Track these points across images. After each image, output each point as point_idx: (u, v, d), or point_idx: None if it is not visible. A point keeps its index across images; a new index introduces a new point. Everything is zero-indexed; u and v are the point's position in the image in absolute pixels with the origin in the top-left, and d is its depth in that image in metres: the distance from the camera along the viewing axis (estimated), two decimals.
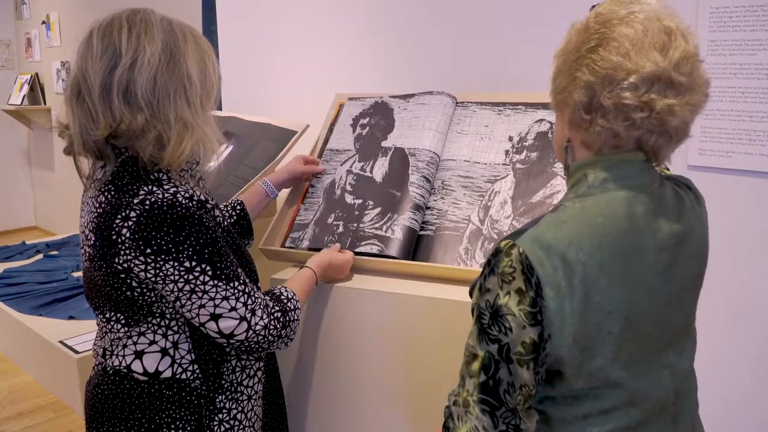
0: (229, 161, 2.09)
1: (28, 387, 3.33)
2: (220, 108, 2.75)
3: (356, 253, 1.61)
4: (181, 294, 1.14)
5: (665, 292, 0.94)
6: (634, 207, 0.91)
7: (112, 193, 1.15)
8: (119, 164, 1.16)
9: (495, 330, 0.88)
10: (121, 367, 1.21)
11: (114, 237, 1.12)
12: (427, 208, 1.67)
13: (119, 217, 1.11)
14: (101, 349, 1.25)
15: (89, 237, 1.17)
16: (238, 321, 1.17)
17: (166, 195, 1.13)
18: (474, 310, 0.92)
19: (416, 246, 1.62)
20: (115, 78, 1.12)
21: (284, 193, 1.82)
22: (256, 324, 1.19)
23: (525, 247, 0.86)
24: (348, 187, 1.77)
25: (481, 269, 0.93)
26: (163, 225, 1.10)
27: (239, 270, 1.20)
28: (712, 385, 1.68)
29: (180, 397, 1.21)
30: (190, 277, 1.12)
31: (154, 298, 1.17)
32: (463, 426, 0.91)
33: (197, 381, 1.22)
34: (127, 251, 1.11)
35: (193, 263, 1.12)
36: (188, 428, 1.22)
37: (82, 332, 3.20)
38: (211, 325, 1.16)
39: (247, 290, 1.19)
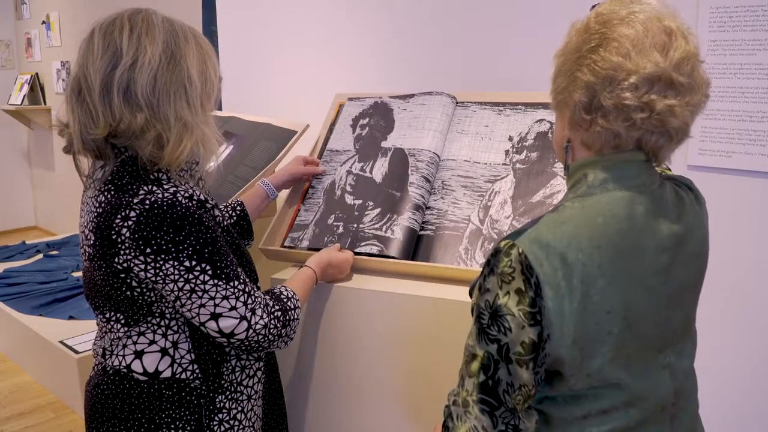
0: (229, 161, 2.09)
1: (28, 387, 3.33)
2: (220, 108, 2.75)
3: (356, 254, 1.61)
4: (181, 293, 1.14)
5: (665, 293, 0.94)
6: (634, 207, 0.91)
7: (112, 192, 1.15)
8: (119, 164, 1.16)
9: (494, 330, 0.88)
10: (121, 367, 1.21)
11: (114, 237, 1.12)
12: (427, 208, 1.67)
13: (119, 216, 1.11)
14: (101, 349, 1.25)
15: (89, 237, 1.17)
16: (238, 320, 1.17)
17: (165, 194, 1.13)
18: (473, 310, 0.92)
19: (416, 246, 1.62)
20: (115, 77, 1.12)
21: (284, 193, 1.82)
22: (256, 323, 1.19)
23: (524, 247, 0.86)
24: (348, 188, 1.77)
25: (480, 269, 0.93)
26: (162, 224, 1.10)
27: (239, 269, 1.20)
28: (712, 385, 1.68)
29: (180, 397, 1.21)
30: (190, 276, 1.12)
31: (153, 298, 1.17)
32: (463, 426, 0.91)
33: (197, 381, 1.22)
34: (127, 251, 1.11)
35: (193, 263, 1.12)
36: (188, 428, 1.22)
37: (82, 332, 3.20)
38: (212, 324, 1.16)
39: (247, 289, 1.19)
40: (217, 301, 1.15)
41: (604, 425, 0.93)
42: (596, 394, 0.92)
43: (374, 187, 1.73)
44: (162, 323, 1.20)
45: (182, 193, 1.16)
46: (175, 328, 1.20)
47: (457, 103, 1.84)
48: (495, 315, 0.88)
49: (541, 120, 1.69)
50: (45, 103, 5.89)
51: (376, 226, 1.65)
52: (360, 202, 1.72)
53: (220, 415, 1.24)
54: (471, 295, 0.95)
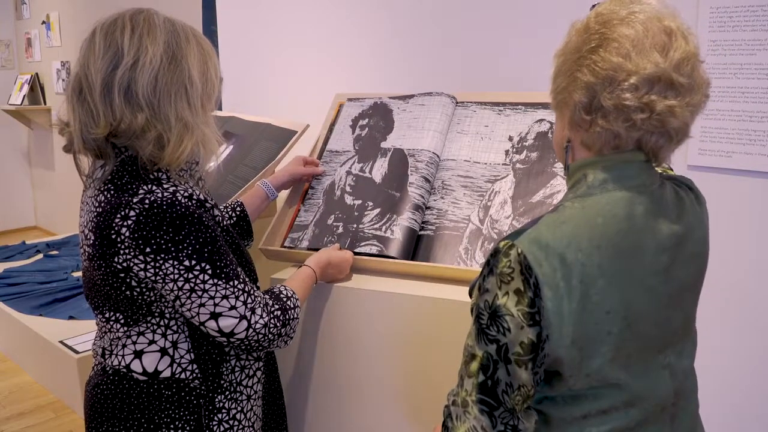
0: (229, 161, 2.09)
1: (28, 387, 3.33)
2: (220, 108, 2.75)
3: (356, 254, 1.61)
4: (180, 293, 1.14)
5: (665, 293, 0.94)
6: (634, 207, 0.91)
7: (112, 192, 1.15)
8: (119, 163, 1.17)
9: (493, 330, 0.88)
10: (121, 367, 1.21)
11: (113, 236, 1.12)
12: (427, 207, 1.67)
13: (119, 216, 1.11)
14: (101, 349, 1.25)
15: (89, 236, 1.17)
16: (237, 319, 1.17)
17: (165, 194, 1.13)
18: (473, 311, 0.92)
19: (416, 246, 1.62)
20: (116, 77, 1.12)
21: (284, 193, 1.82)
22: (256, 322, 1.19)
23: (523, 248, 0.86)
24: (347, 188, 1.77)
25: (480, 269, 0.93)
26: (162, 224, 1.10)
27: (239, 269, 1.20)
28: (712, 385, 1.68)
29: (179, 396, 1.21)
30: (190, 275, 1.12)
31: (153, 298, 1.17)
32: (462, 426, 0.91)
33: (196, 381, 1.22)
34: (127, 250, 1.11)
35: (193, 262, 1.12)
36: (187, 428, 1.22)
37: (82, 332, 3.20)
38: (211, 323, 1.16)
39: (246, 289, 1.19)
40: (217, 300, 1.15)
41: (604, 425, 0.93)
42: (596, 394, 0.92)
43: (374, 188, 1.73)
44: (161, 323, 1.20)
45: (182, 192, 1.16)
46: (174, 327, 1.21)
47: (457, 103, 1.84)
48: (494, 315, 0.88)
49: (541, 120, 1.69)
50: (45, 103, 5.89)
51: (375, 226, 1.65)
52: (360, 202, 1.72)
53: (220, 415, 1.25)
54: (470, 295, 0.95)
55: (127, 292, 1.16)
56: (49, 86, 5.82)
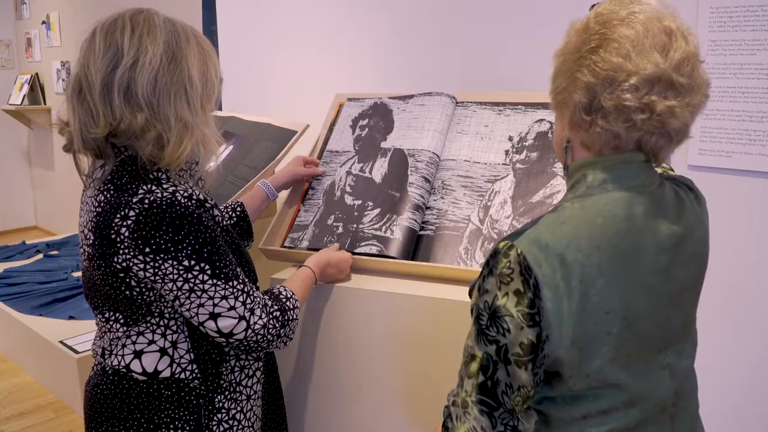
0: (229, 161, 2.09)
1: (28, 387, 3.33)
2: (220, 108, 2.75)
3: (356, 254, 1.61)
4: (179, 293, 1.14)
5: (664, 293, 0.94)
6: (634, 208, 0.91)
7: (112, 192, 1.15)
8: (118, 163, 1.17)
9: (493, 331, 0.88)
10: (120, 367, 1.21)
11: (113, 236, 1.12)
12: (427, 208, 1.67)
13: (118, 216, 1.11)
14: (100, 349, 1.25)
15: (88, 236, 1.17)
16: (236, 320, 1.17)
17: (165, 194, 1.13)
18: (473, 311, 0.92)
19: (416, 246, 1.62)
20: (116, 77, 1.12)
21: (284, 193, 1.82)
22: (255, 323, 1.19)
23: (523, 248, 0.86)
24: (347, 188, 1.77)
25: (480, 269, 0.93)
26: (162, 224, 1.10)
27: (238, 269, 1.20)
28: (712, 385, 1.68)
29: (179, 396, 1.21)
30: (189, 276, 1.12)
31: (152, 298, 1.17)
32: (462, 426, 0.91)
33: (196, 381, 1.22)
34: (126, 250, 1.11)
35: (192, 262, 1.12)
36: (187, 428, 1.22)
37: (82, 332, 3.20)
38: (210, 324, 1.16)
39: (246, 289, 1.19)
40: (216, 300, 1.15)
41: (604, 425, 0.93)
42: (596, 395, 0.92)
43: (374, 188, 1.73)
44: (161, 323, 1.20)
45: (181, 192, 1.16)
46: (174, 327, 1.20)
47: (457, 103, 1.84)
48: (494, 316, 0.88)
49: (541, 120, 1.69)
50: (45, 103, 5.89)
51: (375, 226, 1.65)
52: (360, 202, 1.72)
53: (219, 415, 1.24)
54: (470, 295, 0.95)
55: (127, 292, 1.16)
56: (49, 86, 5.82)
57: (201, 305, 1.15)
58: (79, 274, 4.06)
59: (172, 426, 1.21)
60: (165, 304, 1.18)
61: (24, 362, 3.49)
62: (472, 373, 0.90)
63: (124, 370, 1.21)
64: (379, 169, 1.76)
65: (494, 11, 2.22)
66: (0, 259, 4.46)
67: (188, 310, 1.16)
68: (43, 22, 5.71)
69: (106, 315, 1.21)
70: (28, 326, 3.33)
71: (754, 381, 1.85)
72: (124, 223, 1.11)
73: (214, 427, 1.24)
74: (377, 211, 1.68)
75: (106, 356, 1.23)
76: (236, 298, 1.17)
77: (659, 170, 1.02)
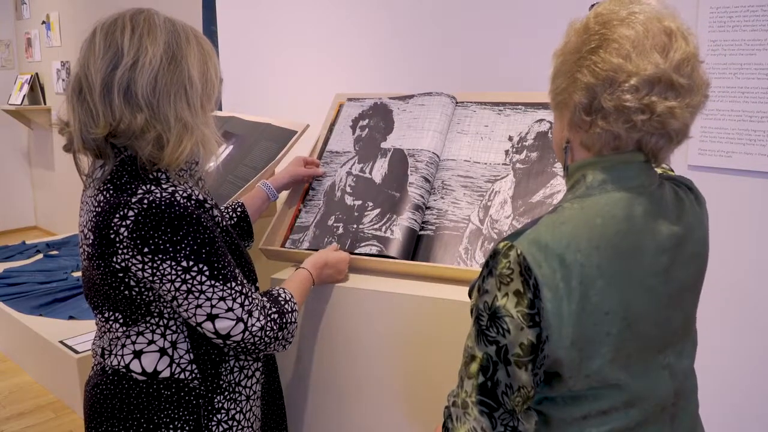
0: (229, 161, 2.09)
1: (28, 387, 3.33)
2: (220, 108, 2.75)
3: (356, 254, 1.61)
4: (178, 294, 1.14)
5: (664, 293, 0.94)
6: (633, 208, 0.91)
7: (111, 192, 1.15)
8: (118, 163, 1.17)
9: (493, 331, 0.88)
10: (120, 367, 1.21)
11: (112, 236, 1.12)
12: (427, 208, 1.67)
13: (117, 216, 1.11)
14: (100, 349, 1.25)
15: (88, 236, 1.17)
16: (234, 322, 1.17)
17: (164, 194, 1.13)
18: (473, 312, 0.92)
19: (416, 246, 1.62)
20: (116, 77, 1.12)
21: (284, 194, 1.82)
22: (253, 325, 1.19)
23: (523, 249, 0.86)
24: (348, 189, 1.77)
25: (480, 269, 0.93)
26: (160, 224, 1.10)
27: (237, 270, 1.20)
28: (712, 385, 1.68)
29: (178, 397, 1.21)
30: (187, 276, 1.12)
31: (152, 298, 1.17)
32: (462, 427, 0.91)
33: (195, 381, 1.22)
34: (125, 250, 1.11)
35: (191, 263, 1.12)
36: (186, 428, 1.22)
37: (82, 332, 3.20)
38: (208, 325, 1.16)
39: (244, 291, 1.19)
40: (214, 302, 1.15)
41: (604, 426, 0.93)
42: (596, 395, 0.92)
43: (374, 188, 1.73)
44: (161, 323, 1.20)
45: (181, 192, 1.16)
46: (173, 327, 1.20)
47: (457, 103, 1.84)
48: (494, 316, 0.88)
49: (541, 120, 1.69)
50: (45, 103, 5.89)
51: (375, 226, 1.65)
52: (360, 202, 1.72)
53: (219, 416, 1.24)
54: (470, 296, 0.95)
55: (126, 292, 1.16)
56: (49, 86, 5.82)
57: (199, 306, 1.15)
58: (79, 274, 4.06)
59: (171, 426, 1.21)
60: (164, 304, 1.18)
61: (24, 362, 3.49)
62: (472, 374, 0.90)
63: (124, 370, 1.21)
64: (379, 170, 1.76)
65: (494, 11, 2.22)
66: (0, 259, 4.46)
67: (186, 310, 1.16)
68: (43, 22, 5.71)
69: (106, 315, 1.21)
70: (28, 326, 3.33)
71: (754, 381, 1.85)
72: (123, 223, 1.11)
73: (214, 428, 1.24)
74: (377, 211, 1.68)
75: (106, 356, 1.23)
76: (234, 300, 1.17)
77: (659, 170, 1.02)
